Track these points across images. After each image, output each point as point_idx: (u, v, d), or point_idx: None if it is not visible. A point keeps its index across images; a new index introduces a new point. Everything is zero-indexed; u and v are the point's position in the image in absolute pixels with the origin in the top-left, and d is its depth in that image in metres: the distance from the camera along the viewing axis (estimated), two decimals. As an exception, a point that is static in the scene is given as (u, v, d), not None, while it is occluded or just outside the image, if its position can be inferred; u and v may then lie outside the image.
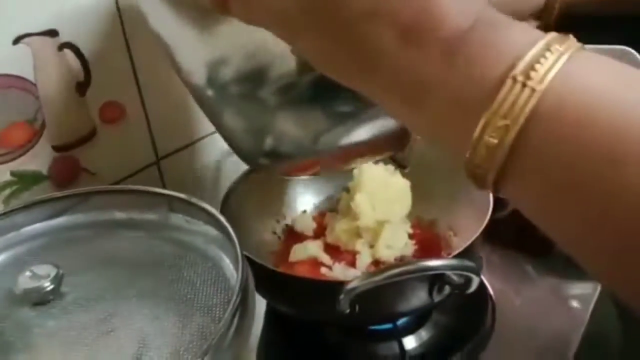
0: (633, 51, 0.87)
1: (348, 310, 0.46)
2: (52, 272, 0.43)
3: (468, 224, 0.60)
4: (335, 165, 0.43)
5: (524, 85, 0.23)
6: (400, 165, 0.43)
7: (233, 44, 0.36)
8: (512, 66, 0.24)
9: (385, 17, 0.26)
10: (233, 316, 0.38)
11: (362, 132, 0.37)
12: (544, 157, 0.23)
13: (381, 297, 0.48)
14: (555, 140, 0.23)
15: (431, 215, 0.68)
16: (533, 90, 0.23)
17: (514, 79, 0.23)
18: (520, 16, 0.49)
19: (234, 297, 0.38)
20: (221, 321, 0.37)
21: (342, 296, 0.38)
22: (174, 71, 0.42)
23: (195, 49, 0.39)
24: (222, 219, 0.45)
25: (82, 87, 0.58)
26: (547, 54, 0.24)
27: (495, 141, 0.24)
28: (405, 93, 0.27)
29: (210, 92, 0.39)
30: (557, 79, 0.23)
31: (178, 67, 0.40)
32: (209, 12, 0.32)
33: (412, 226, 0.66)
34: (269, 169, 0.43)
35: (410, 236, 0.65)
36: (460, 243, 0.58)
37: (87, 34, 0.57)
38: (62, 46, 0.55)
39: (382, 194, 0.64)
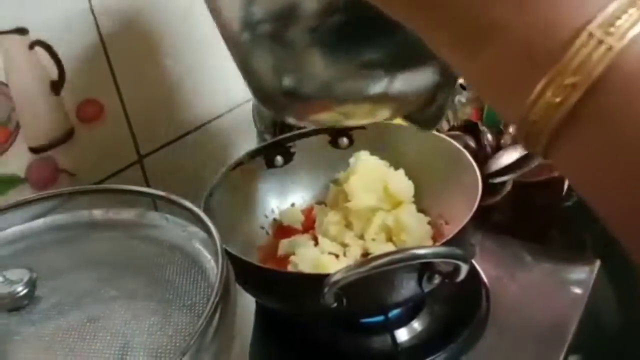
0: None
1: (334, 304, 0.44)
2: (25, 276, 0.42)
3: (459, 211, 0.59)
4: (354, 114, 0.41)
5: (600, 41, 0.21)
6: (423, 126, 0.41)
7: None
8: (591, 18, 0.21)
9: None
10: (214, 312, 0.37)
11: (392, 85, 0.35)
12: (611, 121, 0.21)
13: (369, 288, 0.47)
14: (628, 103, 0.21)
15: (422, 205, 0.67)
16: (610, 47, 0.21)
17: (591, 34, 0.21)
18: None
19: (214, 293, 0.37)
20: (201, 317, 0.36)
21: (326, 289, 0.37)
22: (217, 27, 0.40)
23: None
24: (202, 214, 0.44)
25: (56, 86, 0.56)
26: (631, 10, 0.21)
27: (558, 99, 0.21)
28: (463, 33, 0.24)
29: (244, 35, 0.37)
30: (638, 38, 0.21)
31: (219, 15, 0.38)
32: None
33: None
34: (284, 109, 0.41)
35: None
36: (452, 231, 0.57)
37: (59, 31, 0.55)
38: (33, 44, 0.53)
39: (377, 184, 0.63)
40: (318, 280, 0.43)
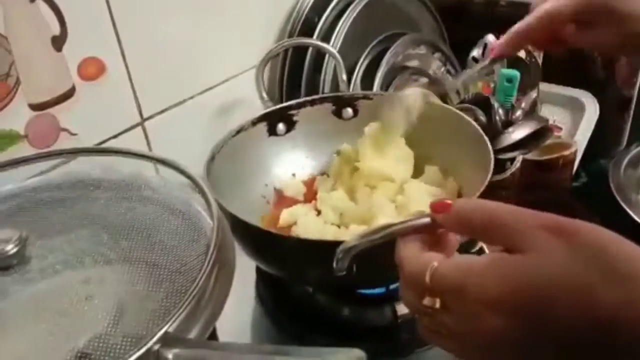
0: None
1: (344, 272, 0.43)
2: (15, 235, 0.40)
3: (470, 185, 0.57)
4: None
5: None
6: None
7: None
8: None
9: None
10: (211, 270, 0.36)
11: None
12: None
13: (380, 257, 0.45)
14: None
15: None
16: None
17: None
18: None
19: (208, 256, 0.36)
20: (197, 278, 0.35)
21: (340, 254, 0.36)
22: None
23: None
24: (196, 178, 0.43)
25: (58, 41, 0.55)
26: None
27: None
28: None
29: None
30: None
31: None
32: None
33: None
34: None
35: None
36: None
37: (62, -16, 0.53)
38: (34, -3, 0.52)
39: (386, 153, 0.62)
40: (325, 247, 0.42)
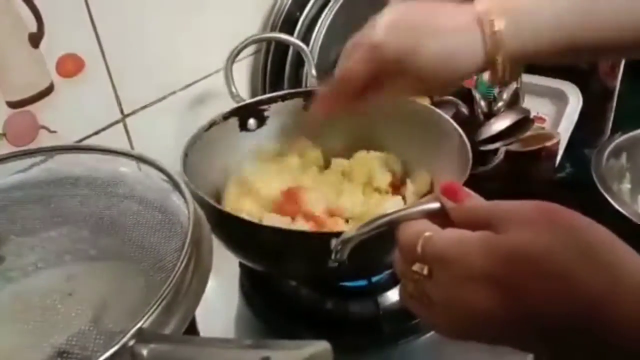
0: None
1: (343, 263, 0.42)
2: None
3: (451, 178, 0.57)
4: None
5: None
6: None
7: None
8: None
9: None
10: (186, 265, 0.36)
11: None
12: None
13: (372, 248, 0.45)
14: None
15: (414, 175, 0.65)
16: None
17: None
18: (463, 76, 0.47)
19: (184, 249, 0.36)
20: (172, 273, 0.35)
21: (339, 246, 0.36)
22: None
23: None
24: (172, 174, 0.43)
25: (35, 38, 0.54)
26: None
27: None
28: None
29: None
30: None
31: None
32: None
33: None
34: None
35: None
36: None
37: (37, -21, 0.53)
38: (10, -7, 0.51)
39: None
40: (307, 238, 0.41)
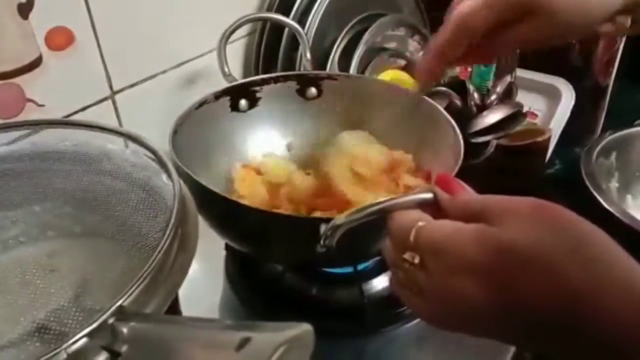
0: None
1: (324, 250, 0.42)
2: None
3: (443, 170, 0.57)
4: None
5: None
6: None
7: None
8: None
9: None
10: (170, 245, 0.36)
11: None
12: None
13: (361, 235, 0.45)
14: None
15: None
16: None
17: None
18: (597, 21, 0.43)
19: (168, 229, 0.35)
20: (155, 252, 0.35)
21: (329, 232, 0.35)
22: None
23: None
24: (159, 152, 0.43)
25: (24, 9, 0.53)
26: None
27: None
28: None
29: None
30: None
31: None
32: None
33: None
34: None
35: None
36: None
37: (28, -52, 0.52)
38: (-1, -39, 0.50)
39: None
40: (294, 222, 0.41)
